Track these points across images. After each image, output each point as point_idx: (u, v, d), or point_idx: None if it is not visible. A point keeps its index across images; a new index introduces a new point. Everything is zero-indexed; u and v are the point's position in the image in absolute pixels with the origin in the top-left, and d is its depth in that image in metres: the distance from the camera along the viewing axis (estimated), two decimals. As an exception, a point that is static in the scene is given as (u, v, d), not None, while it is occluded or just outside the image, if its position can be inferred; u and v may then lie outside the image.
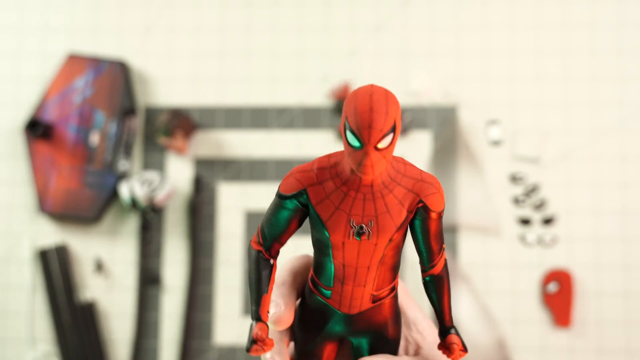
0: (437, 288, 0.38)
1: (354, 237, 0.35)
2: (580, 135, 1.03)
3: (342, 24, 1.07)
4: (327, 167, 0.36)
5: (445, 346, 0.38)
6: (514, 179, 1.02)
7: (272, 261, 0.38)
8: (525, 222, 1.01)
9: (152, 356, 1.02)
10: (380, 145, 0.32)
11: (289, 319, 0.38)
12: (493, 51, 1.05)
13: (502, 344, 0.99)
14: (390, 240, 0.36)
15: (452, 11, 1.06)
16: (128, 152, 1.05)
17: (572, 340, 0.99)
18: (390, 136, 0.33)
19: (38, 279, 1.05)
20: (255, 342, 0.35)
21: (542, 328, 0.99)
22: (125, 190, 1.00)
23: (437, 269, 0.38)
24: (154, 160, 1.06)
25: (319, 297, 0.39)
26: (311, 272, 0.39)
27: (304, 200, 0.36)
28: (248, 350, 0.36)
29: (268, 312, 0.37)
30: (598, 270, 1.00)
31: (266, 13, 1.08)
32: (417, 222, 0.37)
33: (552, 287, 0.99)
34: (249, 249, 0.38)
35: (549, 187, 1.02)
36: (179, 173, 1.05)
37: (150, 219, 1.04)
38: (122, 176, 1.04)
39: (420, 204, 0.36)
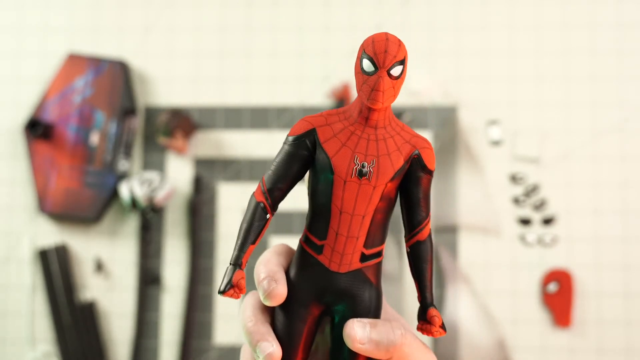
0: (421, 255, 0.39)
1: (356, 175, 0.38)
2: (580, 135, 1.03)
3: (342, 24, 1.07)
4: (335, 114, 0.40)
5: (425, 321, 0.39)
6: (514, 179, 1.02)
7: (268, 215, 0.39)
8: (525, 222, 1.01)
9: (152, 356, 1.02)
10: (392, 72, 0.36)
11: (284, 293, 0.39)
12: (493, 51, 1.05)
13: (502, 344, 0.99)
14: (386, 186, 0.38)
15: (452, 11, 1.06)
16: (128, 152, 1.05)
17: (572, 340, 0.99)
18: (401, 67, 0.37)
19: (38, 279, 1.05)
20: (232, 286, 0.37)
21: (542, 328, 0.99)
22: (125, 190, 1.00)
23: (424, 234, 0.39)
24: (154, 160, 1.06)
25: (310, 254, 0.40)
26: (304, 232, 0.41)
27: (312, 141, 0.39)
28: (222, 292, 0.37)
29: (247, 261, 0.39)
30: (598, 270, 1.00)
31: (266, 13, 1.08)
32: (412, 178, 0.39)
33: (552, 287, 0.99)
34: (251, 198, 0.40)
35: (549, 187, 1.02)
36: (179, 173, 1.05)
37: (150, 219, 1.04)
38: (122, 176, 1.04)
39: (416, 156, 0.39)
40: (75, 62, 1.06)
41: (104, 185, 1.03)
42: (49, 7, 1.11)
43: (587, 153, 1.02)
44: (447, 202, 1.02)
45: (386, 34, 0.37)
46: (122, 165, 1.04)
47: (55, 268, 1.03)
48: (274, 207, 0.40)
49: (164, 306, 1.03)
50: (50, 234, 1.05)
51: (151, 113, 1.07)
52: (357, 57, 0.38)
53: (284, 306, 0.40)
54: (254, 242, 0.39)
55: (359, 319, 0.39)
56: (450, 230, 1.01)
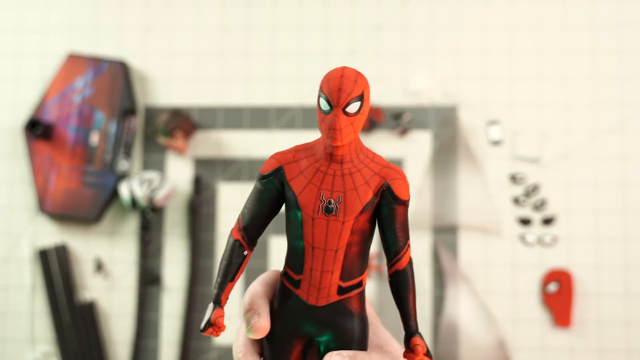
0: (402, 285, 0.39)
1: (323, 212, 0.37)
2: (580, 135, 1.03)
3: (342, 24, 1.07)
4: (303, 149, 0.40)
5: (409, 349, 0.38)
6: (514, 179, 1.02)
7: (246, 252, 0.40)
8: (525, 222, 1.01)
9: (152, 356, 1.02)
10: (348, 109, 0.36)
11: (267, 327, 0.39)
12: (493, 51, 1.05)
13: (502, 344, 0.99)
14: (356, 220, 0.38)
15: (452, 11, 1.06)
16: (128, 152, 1.05)
17: (572, 340, 0.99)
18: (358, 104, 0.36)
19: (38, 279, 1.05)
20: (212, 325, 0.38)
21: (542, 328, 0.99)
22: (125, 190, 1.00)
23: (402, 264, 0.39)
24: (154, 160, 1.06)
25: (289, 289, 0.40)
26: (284, 266, 0.41)
27: (281, 178, 0.39)
28: (203, 330, 0.38)
29: (227, 298, 0.40)
30: (598, 270, 1.00)
31: (266, 13, 1.08)
32: (384, 210, 0.39)
33: (552, 287, 0.99)
34: (229, 236, 0.40)
35: (549, 187, 1.02)
36: (179, 173, 1.05)
37: (150, 219, 1.04)
38: (122, 176, 1.04)
39: (385, 188, 0.38)
40: (75, 62, 1.06)
41: (104, 185, 1.03)
42: (48, 7, 1.10)
43: (587, 153, 1.02)
44: (447, 202, 1.02)
45: (343, 69, 0.36)
46: (122, 165, 1.04)
47: (55, 268, 1.03)
48: (251, 243, 0.40)
49: (164, 306, 1.03)
50: (50, 234, 1.05)
51: (151, 113, 1.07)
52: (318, 94, 0.37)
53: (269, 338, 0.41)
54: (232, 280, 0.39)
55: (338, 352, 0.39)
56: (450, 230, 1.01)
